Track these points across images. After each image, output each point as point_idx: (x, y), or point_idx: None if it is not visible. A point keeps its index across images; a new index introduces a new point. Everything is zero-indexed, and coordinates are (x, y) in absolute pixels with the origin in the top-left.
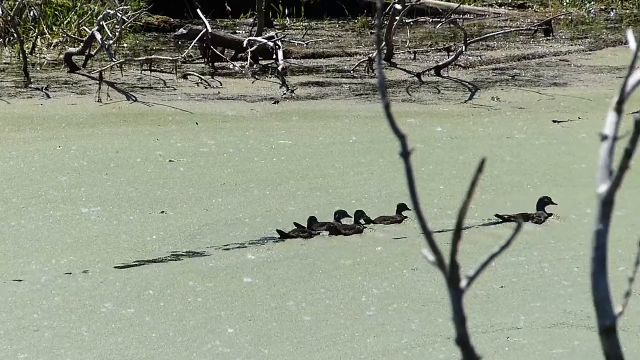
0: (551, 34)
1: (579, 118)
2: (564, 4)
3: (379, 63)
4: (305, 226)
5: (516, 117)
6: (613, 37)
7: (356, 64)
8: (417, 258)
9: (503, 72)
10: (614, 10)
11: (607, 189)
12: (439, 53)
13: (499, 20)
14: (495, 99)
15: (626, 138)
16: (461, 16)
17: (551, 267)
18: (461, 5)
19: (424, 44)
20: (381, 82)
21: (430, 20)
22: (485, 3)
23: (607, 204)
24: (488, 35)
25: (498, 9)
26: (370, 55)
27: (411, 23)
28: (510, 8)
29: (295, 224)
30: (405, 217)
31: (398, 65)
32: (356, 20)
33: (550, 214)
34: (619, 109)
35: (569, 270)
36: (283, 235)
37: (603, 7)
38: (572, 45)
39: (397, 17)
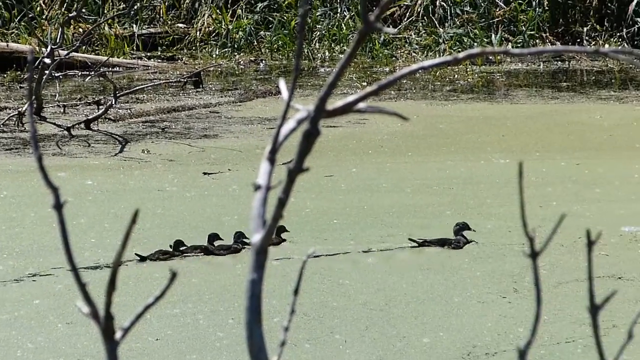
0: (201, 86)
1: (230, 170)
2: (214, 55)
3: (30, 116)
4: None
5: (167, 169)
6: (263, 88)
7: (6, 118)
8: (72, 311)
9: (153, 125)
10: (263, 61)
11: (260, 238)
12: (89, 106)
13: (149, 73)
14: (146, 152)
15: (279, 188)
16: (110, 69)
17: (206, 319)
18: (110, 59)
19: (73, 97)
20: (33, 136)
21: (80, 74)
22: (134, 56)
23: (260, 253)
24: (138, 87)
25: (147, 61)
26: (20, 109)
27: (60, 77)
28: (159, 60)
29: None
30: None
31: (48, 119)
32: (5, 75)
33: (470, 241)
34: (271, 159)
35: (224, 322)
36: (142, 259)
37: (252, 59)
38: (222, 96)
39: (47, 71)
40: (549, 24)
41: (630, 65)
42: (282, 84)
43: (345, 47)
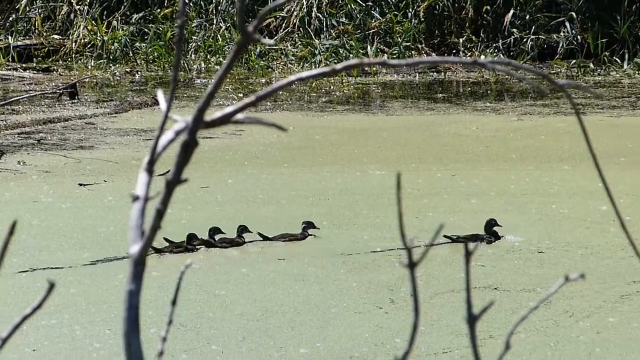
0: (76, 97)
1: (105, 181)
2: (89, 67)
3: None
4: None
5: (42, 180)
6: (139, 99)
7: None
8: None
9: (29, 136)
10: (139, 72)
11: (138, 250)
12: None
13: (24, 84)
14: (22, 163)
15: (157, 198)
16: None
17: (83, 330)
18: None
19: None
20: None
21: None
22: (10, 67)
23: (138, 265)
24: (13, 99)
25: (23, 72)
26: None
27: None
28: (35, 72)
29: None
30: (309, 234)
31: None
32: None
33: (501, 236)
34: (149, 170)
35: (100, 332)
36: (157, 251)
37: (128, 70)
38: (98, 108)
39: None
40: (424, 35)
41: (507, 76)
42: (160, 95)
43: (221, 59)
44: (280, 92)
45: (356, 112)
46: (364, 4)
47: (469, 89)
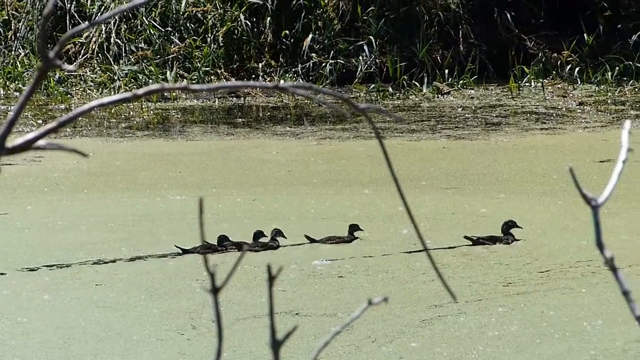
0: None
1: None
2: None
3: None
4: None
5: None
6: None
7: None
8: None
9: None
10: None
11: None
12: None
13: None
14: None
15: None
16: None
17: None
18: None
19: None
20: None
21: None
22: None
23: None
24: None
25: None
26: None
27: None
28: None
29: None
30: (356, 237)
31: None
32: None
33: (519, 239)
34: None
35: None
36: (184, 252)
37: None
38: None
39: None
40: (224, 60)
41: (306, 101)
42: None
43: (20, 85)
44: (80, 118)
45: (156, 138)
46: (163, 30)
47: (269, 113)
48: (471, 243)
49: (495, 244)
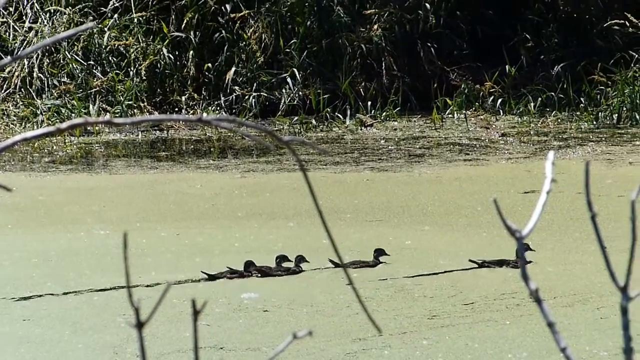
0: None
1: None
2: None
3: None
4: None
5: None
6: None
7: None
8: None
9: None
10: None
11: None
12: None
13: None
14: None
15: None
16: None
17: None
18: None
19: None
20: None
21: None
22: None
23: None
24: None
25: None
26: None
27: None
28: None
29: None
30: (381, 262)
31: None
32: None
33: (530, 261)
34: None
35: None
36: (211, 278)
37: None
38: None
39: None
40: (147, 93)
41: (230, 134)
42: None
43: None
44: (3, 153)
45: (80, 172)
46: (85, 63)
47: (192, 146)
48: (475, 266)
49: (502, 267)
